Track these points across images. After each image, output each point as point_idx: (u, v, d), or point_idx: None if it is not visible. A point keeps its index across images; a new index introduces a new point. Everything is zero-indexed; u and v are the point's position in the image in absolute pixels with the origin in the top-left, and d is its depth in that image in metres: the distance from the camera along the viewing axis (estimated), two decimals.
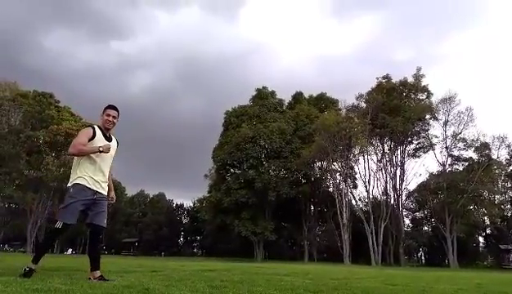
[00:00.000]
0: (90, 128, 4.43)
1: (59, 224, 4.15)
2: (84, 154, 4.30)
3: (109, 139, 4.50)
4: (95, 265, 4.30)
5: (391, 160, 44.14)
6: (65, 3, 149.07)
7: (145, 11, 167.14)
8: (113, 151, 4.53)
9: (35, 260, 4.22)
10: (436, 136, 42.18)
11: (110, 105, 4.58)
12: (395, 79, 44.25)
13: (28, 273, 4.09)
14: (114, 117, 4.51)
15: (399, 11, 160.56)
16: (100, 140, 4.36)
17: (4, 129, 44.11)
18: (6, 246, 52.81)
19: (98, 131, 4.41)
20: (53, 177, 43.71)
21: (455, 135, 40.36)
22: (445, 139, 41.10)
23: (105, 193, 4.46)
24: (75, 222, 4.22)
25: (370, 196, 43.23)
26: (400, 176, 44.16)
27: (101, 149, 4.28)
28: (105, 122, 4.48)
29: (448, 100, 40.13)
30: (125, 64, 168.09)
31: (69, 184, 4.33)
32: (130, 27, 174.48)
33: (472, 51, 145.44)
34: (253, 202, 43.18)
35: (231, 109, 49.88)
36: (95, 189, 4.31)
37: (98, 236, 4.40)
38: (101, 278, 4.22)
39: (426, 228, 51.21)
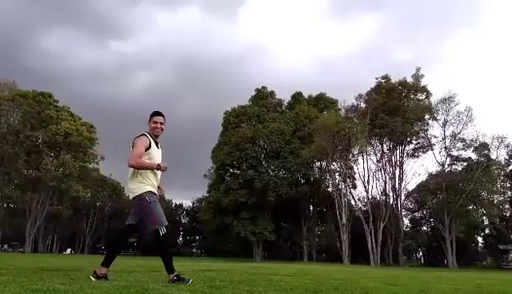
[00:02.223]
0: (145, 137, 4.40)
1: (163, 230, 4.19)
2: (141, 167, 4.30)
3: (158, 146, 4.52)
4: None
5: (390, 160, 44.18)
6: (64, 3, 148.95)
7: (144, 11, 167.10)
8: (160, 156, 4.55)
9: (170, 270, 4.26)
10: (435, 136, 42.28)
11: (156, 112, 4.57)
12: (394, 79, 44.31)
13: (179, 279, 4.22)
14: (161, 123, 4.52)
15: (399, 12, 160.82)
16: (154, 148, 4.41)
17: (3, 129, 44.06)
18: (6, 246, 52.75)
19: (151, 140, 4.41)
20: (52, 177, 43.67)
21: (454, 136, 40.39)
22: (444, 139, 41.15)
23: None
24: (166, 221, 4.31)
25: (370, 196, 43.36)
26: (399, 176, 44.21)
27: (159, 166, 4.30)
28: (154, 129, 4.48)
29: (447, 100, 40.13)
30: (125, 64, 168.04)
31: (139, 193, 4.28)
32: (129, 27, 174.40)
33: (471, 51, 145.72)
34: (253, 203, 43.17)
35: (230, 109, 49.85)
36: (156, 193, 4.40)
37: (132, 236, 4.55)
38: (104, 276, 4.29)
39: (425, 228, 51.27)
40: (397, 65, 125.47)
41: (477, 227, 45.63)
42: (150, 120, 4.52)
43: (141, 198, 4.26)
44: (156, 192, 4.37)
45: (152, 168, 4.29)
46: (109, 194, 64.58)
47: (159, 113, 4.56)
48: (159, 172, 4.44)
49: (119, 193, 68.31)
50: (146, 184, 4.29)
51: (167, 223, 4.25)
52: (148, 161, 4.33)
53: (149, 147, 4.34)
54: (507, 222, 46.26)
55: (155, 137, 4.50)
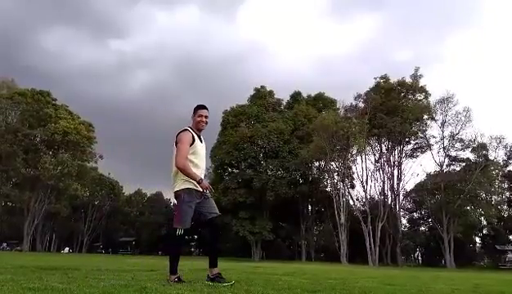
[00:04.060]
0: (188, 132, 4.32)
1: (180, 231, 4.16)
2: (184, 173, 4.19)
3: (201, 140, 4.44)
4: (214, 261, 4.24)
5: (388, 160, 44.23)
6: (64, 2, 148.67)
7: (143, 10, 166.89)
8: (204, 150, 4.48)
9: (174, 271, 4.19)
10: (433, 137, 42.30)
11: (201, 105, 4.47)
12: (393, 79, 44.34)
13: (179, 281, 4.13)
14: (206, 117, 4.42)
15: (398, 12, 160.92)
16: (198, 143, 4.33)
17: (1, 127, 43.98)
18: (4, 245, 52.68)
19: (194, 135, 4.34)
20: (50, 176, 43.61)
21: (452, 136, 40.45)
22: (442, 139, 41.22)
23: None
24: (190, 225, 4.23)
25: (368, 196, 43.31)
26: (397, 176, 44.28)
27: (201, 181, 4.18)
28: (199, 123, 4.39)
29: (446, 101, 40.19)
30: (124, 64, 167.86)
31: (177, 189, 4.24)
32: (129, 26, 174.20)
33: (470, 51, 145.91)
34: (251, 202, 43.15)
35: (229, 109, 49.82)
36: (200, 189, 4.26)
37: (218, 229, 4.40)
38: (219, 275, 4.13)
39: (423, 228, 51.31)
40: (397, 65, 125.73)
41: (475, 227, 45.70)
42: (194, 114, 4.43)
43: (177, 194, 4.25)
44: (200, 188, 4.23)
45: (193, 178, 4.18)
46: (107, 193, 64.55)
47: (204, 106, 4.46)
48: (203, 166, 4.41)
49: (117, 192, 68.32)
50: (186, 180, 4.21)
51: (188, 226, 4.19)
52: (193, 157, 4.26)
53: (192, 142, 4.28)
54: (505, 222, 46.38)
55: (199, 131, 4.43)
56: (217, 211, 4.40)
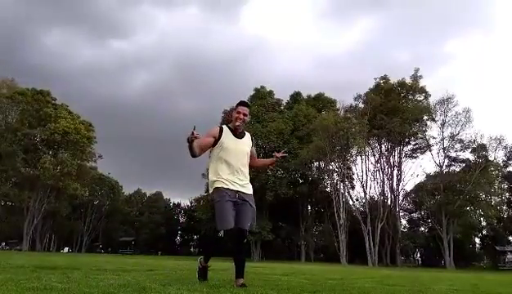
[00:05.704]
0: (216, 127, 4.16)
1: (222, 234, 3.96)
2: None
3: (239, 136, 4.19)
4: (238, 272, 3.99)
5: (388, 161, 44.27)
6: (64, 2, 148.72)
7: (144, 10, 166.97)
8: (247, 148, 4.21)
9: (206, 261, 4.44)
10: (433, 137, 42.40)
11: (241, 102, 4.25)
12: (393, 80, 44.37)
13: (203, 271, 4.41)
14: (244, 114, 4.15)
15: (398, 13, 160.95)
16: (228, 139, 4.08)
17: (1, 127, 43.96)
18: (4, 244, 52.62)
19: (226, 130, 4.12)
20: (50, 175, 43.58)
21: (452, 137, 40.50)
22: (442, 140, 41.29)
23: (249, 193, 4.12)
24: (233, 224, 3.92)
25: (367, 196, 43.35)
26: (397, 177, 44.34)
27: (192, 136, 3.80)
28: (236, 120, 4.14)
29: (446, 102, 40.27)
30: (124, 63, 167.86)
31: (210, 191, 4.13)
32: (129, 25, 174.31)
33: (470, 52, 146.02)
34: None
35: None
36: (234, 188, 4.01)
37: (241, 240, 4.04)
38: (241, 286, 3.87)
39: (423, 228, 51.35)
40: (397, 66, 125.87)
41: (474, 228, 45.73)
42: (234, 110, 4.22)
43: (211, 196, 4.13)
44: (230, 185, 3.98)
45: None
46: (106, 193, 64.50)
47: (244, 103, 4.23)
48: (238, 164, 4.09)
49: (117, 191, 68.27)
50: (217, 179, 4.02)
51: (230, 227, 3.90)
52: (222, 153, 4.04)
53: (219, 136, 4.04)
54: (504, 223, 46.38)
55: (236, 128, 4.15)
56: (247, 224, 4.02)
